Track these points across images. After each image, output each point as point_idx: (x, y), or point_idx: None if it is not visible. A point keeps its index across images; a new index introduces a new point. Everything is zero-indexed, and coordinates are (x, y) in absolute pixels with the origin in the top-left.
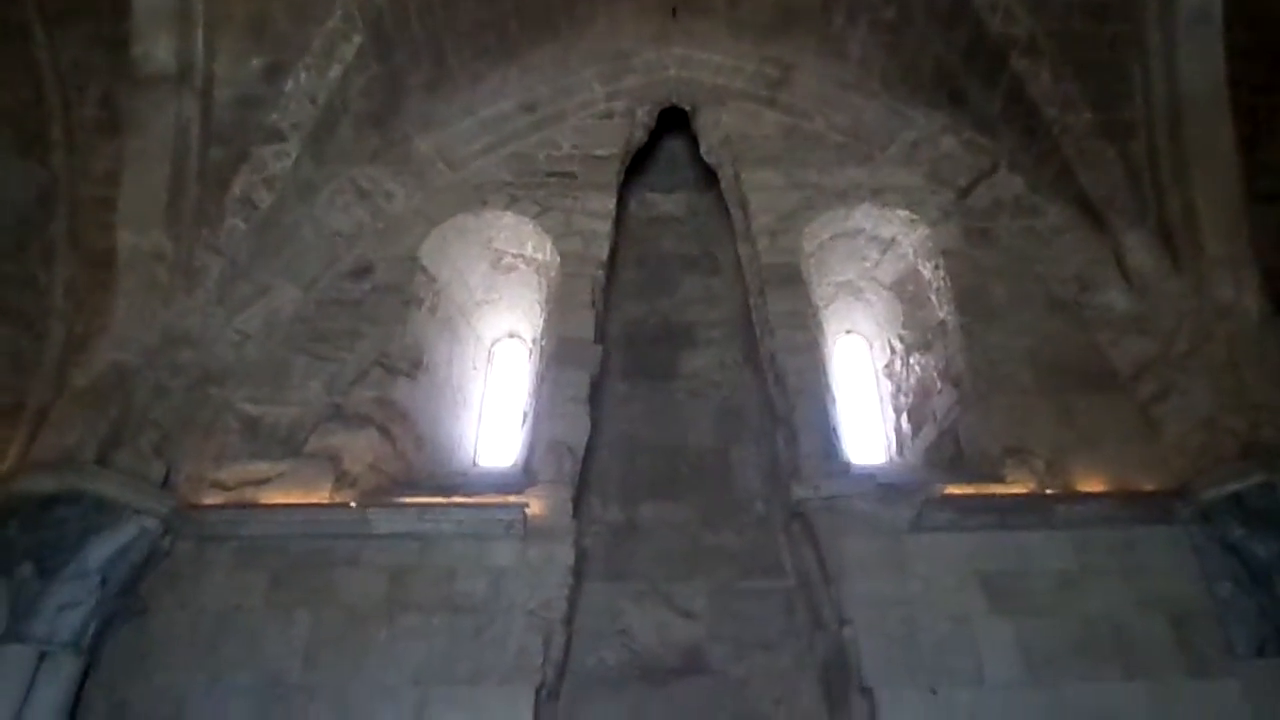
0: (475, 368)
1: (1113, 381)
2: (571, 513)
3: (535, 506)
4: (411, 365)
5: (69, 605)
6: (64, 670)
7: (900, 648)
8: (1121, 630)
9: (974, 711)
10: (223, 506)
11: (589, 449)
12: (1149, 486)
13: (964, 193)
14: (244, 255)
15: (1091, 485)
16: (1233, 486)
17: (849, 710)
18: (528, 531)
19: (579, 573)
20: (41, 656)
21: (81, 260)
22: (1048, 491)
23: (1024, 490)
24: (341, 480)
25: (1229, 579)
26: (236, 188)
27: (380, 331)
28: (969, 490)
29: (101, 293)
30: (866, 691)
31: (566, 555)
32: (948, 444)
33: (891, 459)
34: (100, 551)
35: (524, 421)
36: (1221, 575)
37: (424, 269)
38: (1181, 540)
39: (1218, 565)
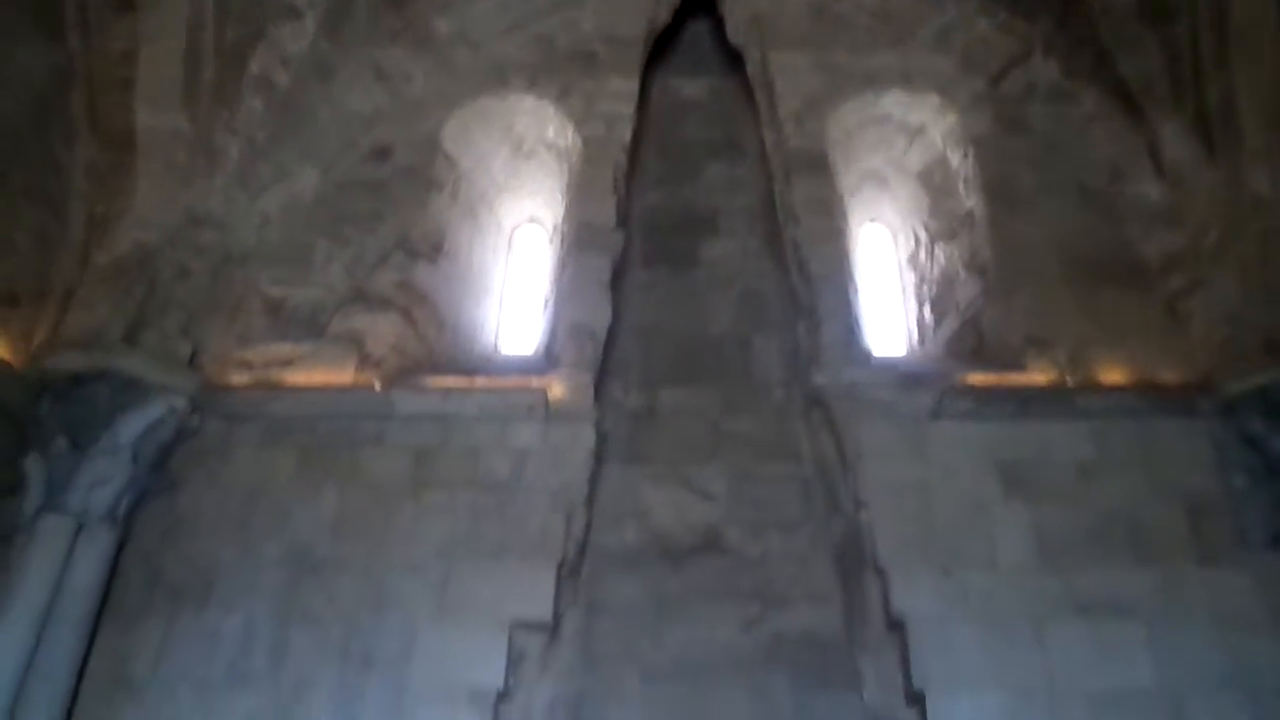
0: (496, 254)
1: (1140, 274)
2: (593, 396)
3: (557, 390)
4: (433, 249)
5: (102, 480)
6: (100, 541)
7: (915, 531)
8: (1136, 519)
9: (986, 593)
10: (249, 387)
11: (610, 335)
12: (1171, 380)
13: (996, 79)
14: (263, 137)
15: (1113, 377)
16: (1256, 380)
17: (862, 590)
18: (549, 414)
19: (600, 455)
20: (79, 528)
21: (101, 141)
22: (1069, 382)
23: (1045, 380)
24: (365, 362)
25: (1246, 472)
26: (254, 67)
27: (401, 215)
28: (989, 379)
29: (122, 174)
30: (880, 572)
31: (588, 437)
32: (970, 334)
33: (913, 349)
34: (130, 428)
35: (545, 307)
36: (1239, 468)
37: (445, 153)
38: (1201, 433)
39: (1236, 458)
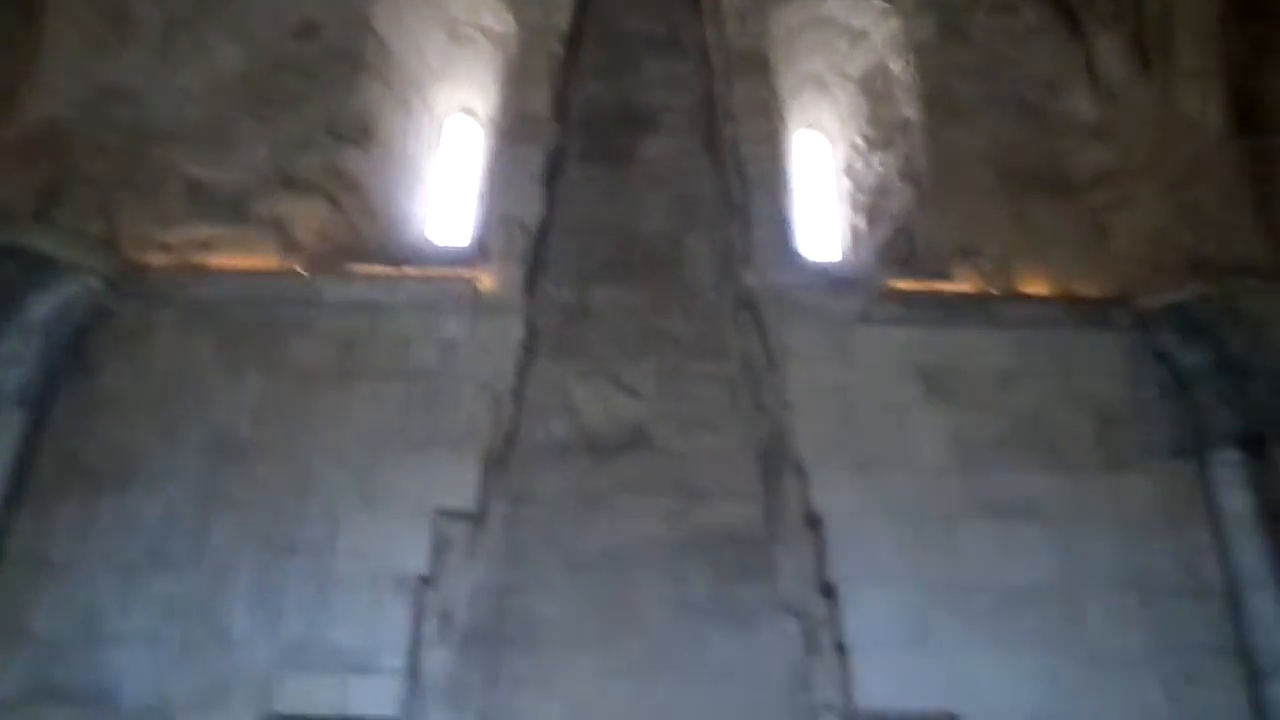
0: (428, 143)
1: (1069, 188)
2: (523, 289)
3: (487, 282)
4: (361, 135)
5: (12, 360)
6: (12, 423)
7: (836, 432)
8: (1049, 426)
9: (901, 493)
10: (168, 269)
11: (544, 230)
12: (1092, 293)
13: None
14: (185, 8)
15: (1036, 288)
16: (1171, 298)
17: (782, 487)
18: (479, 306)
19: (530, 349)
20: None
21: (6, 3)
22: (993, 291)
23: (970, 289)
24: (289, 248)
25: (1156, 385)
26: None
27: (328, 97)
28: (917, 286)
29: (29, 41)
30: (800, 470)
31: (517, 330)
32: (901, 243)
33: (845, 255)
34: (41, 307)
35: (477, 199)
36: (1149, 381)
37: (376, 34)
38: (1116, 346)
39: (1147, 372)
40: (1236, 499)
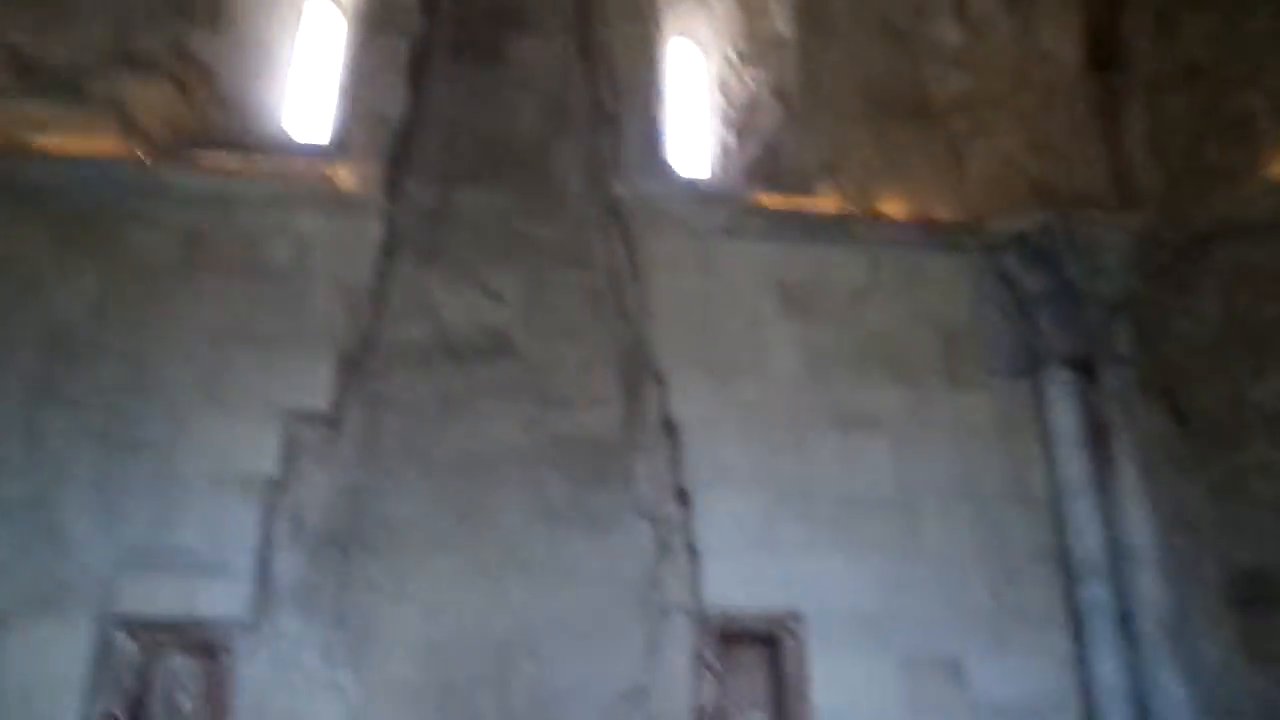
0: (287, 29)
1: (930, 114)
2: (383, 187)
3: (345, 177)
4: (212, 14)
5: None
6: None
7: (695, 342)
8: (897, 344)
9: (755, 403)
10: None
11: (406, 127)
12: (945, 217)
13: None
14: None
15: (893, 210)
16: (1018, 225)
17: (641, 395)
18: (336, 202)
19: (391, 250)
20: None
21: None
22: (852, 211)
23: (831, 208)
24: (131, 132)
25: (999, 307)
26: None
27: None
28: (780, 202)
29: None
30: (659, 378)
31: (375, 228)
32: (768, 159)
33: (714, 170)
34: None
35: (338, 91)
36: (993, 304)
37: None
38: (965, 269)
39: (992, 295)
40: (1065, 415)
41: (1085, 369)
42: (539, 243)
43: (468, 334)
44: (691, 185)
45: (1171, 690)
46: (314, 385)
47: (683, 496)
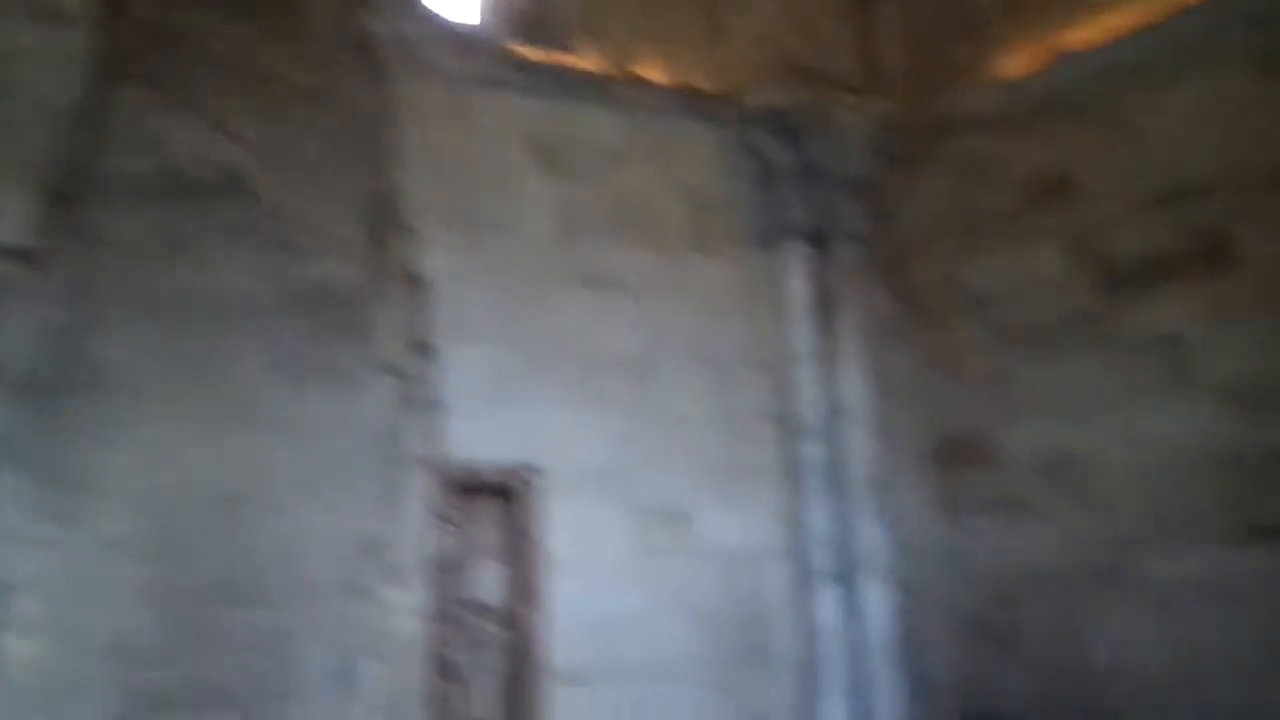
0: None
1: None
2: None
3: None
4: None
5: None
6: None
7: (446, 193)
8: (649, 208)
9: (504, 258)
10: None
11: None
12: (704, 86)
13: None
14: None
15: (656, 76)
16: (770, 100)
17: (387, 246)
18: (40, 12)
19: (110, 73)
20: None
21: None
22: (612, 72)
23: (592, 67)
24: None
25: (748, 179)
26: None
27: None
28: (542, 56)
29: None
30: (406, 229)
31: (85, 43)
32: (533, 12)
33: (479, 20)
34: None
35: None
36: (743, 175)
37: None
38: (718, 139)
39: (742, 166)
40: (798, 286)
41: (821, 244)
42: (283, 79)
43: (200, 171)
44: (450, 29)
45: (874, 537)
46: (13, 217)
47: (426, 350)
